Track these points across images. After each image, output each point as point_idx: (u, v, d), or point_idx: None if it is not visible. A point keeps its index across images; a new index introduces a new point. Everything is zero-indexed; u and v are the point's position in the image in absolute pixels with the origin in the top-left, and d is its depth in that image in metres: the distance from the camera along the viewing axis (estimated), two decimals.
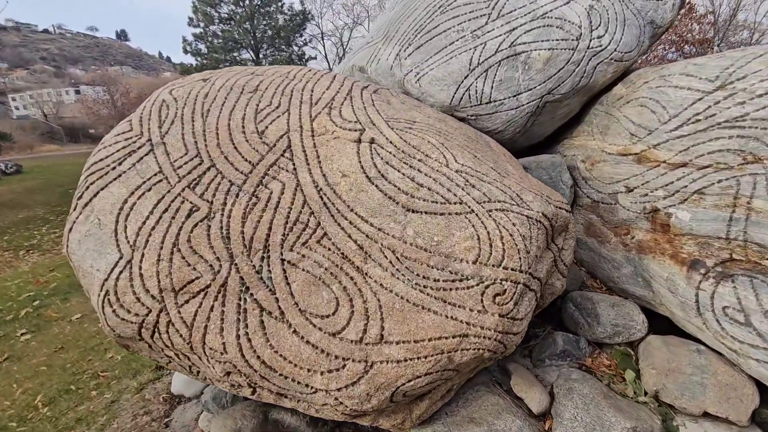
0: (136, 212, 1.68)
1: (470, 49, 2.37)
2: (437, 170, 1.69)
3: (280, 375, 1.48)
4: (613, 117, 2.28)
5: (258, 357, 1.49)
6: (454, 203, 1.58)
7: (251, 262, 1.57)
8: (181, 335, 1.56)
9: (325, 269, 1.52)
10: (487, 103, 2.39)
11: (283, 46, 21.15)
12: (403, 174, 1.67)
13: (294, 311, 1.50)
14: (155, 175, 1.75)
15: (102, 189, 1.75)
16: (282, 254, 1.56)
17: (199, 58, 20.59)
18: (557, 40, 2.20)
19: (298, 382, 1.47)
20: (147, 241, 1.62)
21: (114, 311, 1.60)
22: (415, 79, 2.55)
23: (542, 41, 2.22)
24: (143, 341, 1.66)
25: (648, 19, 2.35)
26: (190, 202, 1.67)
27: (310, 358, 1.45)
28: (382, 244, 1.53)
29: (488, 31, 2.35)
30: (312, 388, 1.46)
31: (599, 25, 2.21)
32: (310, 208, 1.62)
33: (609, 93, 2.40)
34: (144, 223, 1.65)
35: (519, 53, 2.26)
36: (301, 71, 2.20)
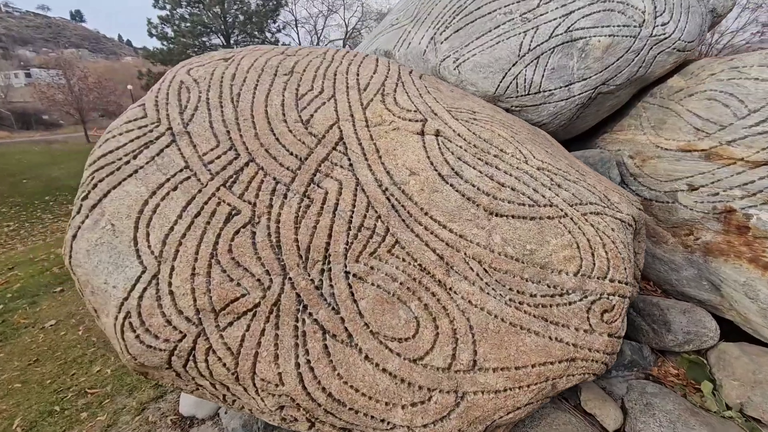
0: (160, 216, 1.38)
1: (520, 34, 2.17)
2: (517, 167, 1.48)
3: (350, 409, 1.25)
4: (670, 111, 2.15)
5: (323, 389, 1.25)
6: (544, 206, 1.38)
7: (309, 275, 1.32)
8: (224, 364, 1.29)
9: (400, 284, 1.30)
10: (535, 93, 2.20)
11: (256, 33, 20.25)
12: (480, 172, 1.45)
13: (365, 334, 1.27)
14: (181, 171, 1.45)
15: (114, 188, 1.44)
16: (346, 266, 1.32)
17: (165, 43, 19.39)
18: (619, 26, 2.04)
19: (372, 417, 1.25)
20: (177, 251, 1.34)
21: (137, 337, 1.31)
22: (453, 65, 2.32)
23: (603, 27, 2.04)
24: (171, 370, 1.38)
25: (710, 7, 2.22)
26: (228, 204, 1.39)
27: (388, 390, 1.23)
28: (465, 254, 1.32)
29: (540, 15, 2.15)
30: (390, 424, 1.24)
31: (663, 11, 2.05)
32: (376, 212, 1.38)
33: (663, 85, 2.26)
34: (172, 229, 1.36)
35: (576, 39, 2.08)
36: (338, 52, 1.93)
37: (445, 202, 1.39)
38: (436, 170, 1.45)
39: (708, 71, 2.03)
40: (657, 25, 2.04)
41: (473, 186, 1.41)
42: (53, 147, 20.27)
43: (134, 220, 1.38)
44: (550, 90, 2.19)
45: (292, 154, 1.49)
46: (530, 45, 2.14)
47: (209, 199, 1.40)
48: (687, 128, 2.02)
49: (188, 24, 19.14)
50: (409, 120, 1.58)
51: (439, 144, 1.51)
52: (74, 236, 1.43)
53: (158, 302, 1.31)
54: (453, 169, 1.45)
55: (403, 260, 1.32)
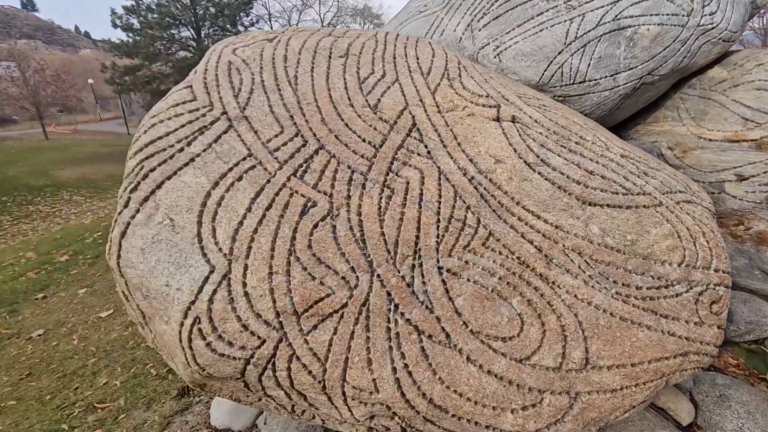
0: (227, 209, 1.24)
1: (565, 21, 2.11)
2: (601, 155, 1.42)
3: (454, 416, 1.15)
4: (712, 101, 2.15)
5: (423, 395, 1.14)
6: (638, 194, 1.33)
7: (399, 272, 1.21)
8: (309, 372, 1.17)
9: (500, 278, 1.21)
10: (580, 83, 2.15)
11: (228, 26, 19.54)
12: (566, 159, 1.38)
13: (464, 334, 1.17)
14: (244, 159, 1.31)
15: (168, 178, 1.28)
16: (439, 261, 1.22)
17: (131, 34, 18.34)
18: (668, 14, 2.01)
19: (477, 423, 1.16)
20: (250, 248, 1.20)
21: (209, 345, 1.16)
22: (493, 53, 2.25)
23: (652, 15, 2.02)
24: (240, 380, 1.24)
25: None
26: (302, 195, 1.26)
27: (496, 393, 1.14)
28: (564, 246, 1.24)
29: (586, 2, 2.11)
30: (497, 430, 1.15)
31: (711, 1, 2.05)
32: (465, 202, 1.29)
33: (702, 76, 2.27)
34: (241, 223, 1.22)
35: (624, 28, 2.05)
36: (389, 35, 1.81)
37: (537, 192, 1.31)
38: (521, 158, 1.36)
39: (754, 62, 2.05)
40: (705, 15, 2.04)
41: (562, 174, 1.34)
42: (7, 144, 18.91)
43: (197, 214, 1.23)
44: (595, 79, 2.15)
45: (364, 140, 1.37)
46: (577, 33, 2.09)
47: (280, 189, 1.26)
48: (734, 119, 2.03)
49: (155, 15, 18.20)
50: (483, 105, 1.49)
51: (518, 131, 1.43)
52: (123, 233, 1.26)
53: (232, 305, 1.16)
54: (538, 156, 1.37)
55: (500, 253, 1.23)
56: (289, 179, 1.28)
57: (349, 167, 1.32)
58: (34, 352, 3.45)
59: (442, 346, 1.17)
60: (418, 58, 1.65)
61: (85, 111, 35.54)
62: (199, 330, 1.17)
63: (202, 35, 19.04)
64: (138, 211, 1.26)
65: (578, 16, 2.10)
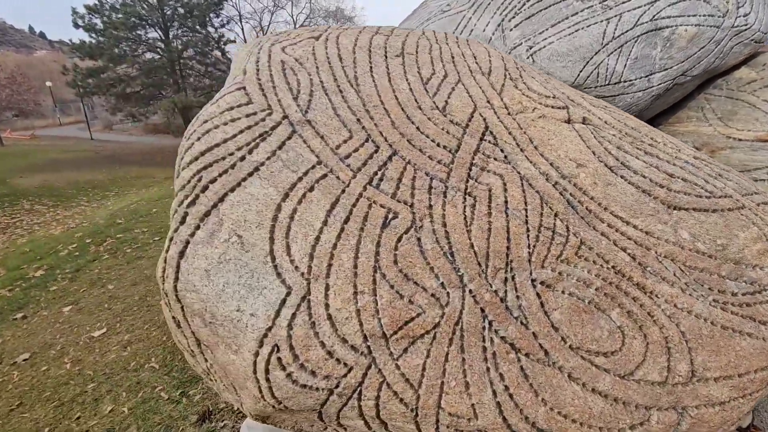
0: (301, 223, 1.12)
1: (602, 21, 2.09)
2: (676, 156, 1.39)
3: None
4: (741, 102, 2.18)
5: (527, 419, 1.07)
6: (720, 197, 1.30)
7: (491, 286, 1.13)
8: (401, 399, 1.07)
9: (596, 290, 1.15)
10: (615, 84, 2.14)
11: (198, 27, 18.79)
12: (645, 162, 1.34)
13: (564, 350, 1.10)
14: (313, 167, 1.19)
15: (232, 190, 1.15)
16: (532, 273, 1.15)
17: (94, 35, 17.38)
18: (704, 15, 2.03)
19: None
20: (330, 265, 1.09)
21: (289, 375, 1.05)
22: (526, 53, 2.21)
23: (689, 16, 2.02)
24: (315, 412, 1.13)
25: None
26: (382, 206, 1.16)
27: (603, 413, 1.07)
28: (657, 252, 1.19)
29: (623, 2, 2.09)
30: None
31: (745, 2, 2.08)
32: (552, 209, 1.22)
33: (729, 77, 2.30)
34: (318, 239, 1.11)
35: (661, 28, 2.04)
36: (439, 33, 1.73)
37: (622, 196, 1.25)
38: (601, 161, 1.31)
39: None
40: (739, 16, 2.06)
41: (644, 177, 1.29)
42: None
43: (268, 230, 1.11)
44: (630, 80, 2.14)
45: (439, 145, 1.28)
46: (614, 33, 2.07)
47: (357, 200, 1.16)
48: (766, 119, 2.06)
49: (120, 15, 17.28)
50: (552, 107, 1.43)
51: (593, 133, 1.38)
52: (182, 253, 1.12)
53: (314, 330, 1.05)
54: (618, 159, 1.32)
55: (594, 263, 1.17)
56: (365, 188, 1.18)
57: (426, 174, 1.23)
58: (22, 379, 3.15)
59: (542, 364, 1.09)
60: (476, 58, 1.57)
61: (43, 115, 33.62)
62: (279, 359, 1.05)
63: (171, 36, 18.25)
64: (198, 227, 1.13)
65: (615, 16, 2.09)
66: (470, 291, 1.11)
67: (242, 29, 21.20)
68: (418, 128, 1.30)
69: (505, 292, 1.13)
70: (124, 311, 3.92)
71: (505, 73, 1.53)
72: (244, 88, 1.32)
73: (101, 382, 2.91)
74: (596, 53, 2.10)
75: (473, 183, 1.23)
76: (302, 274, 1.08)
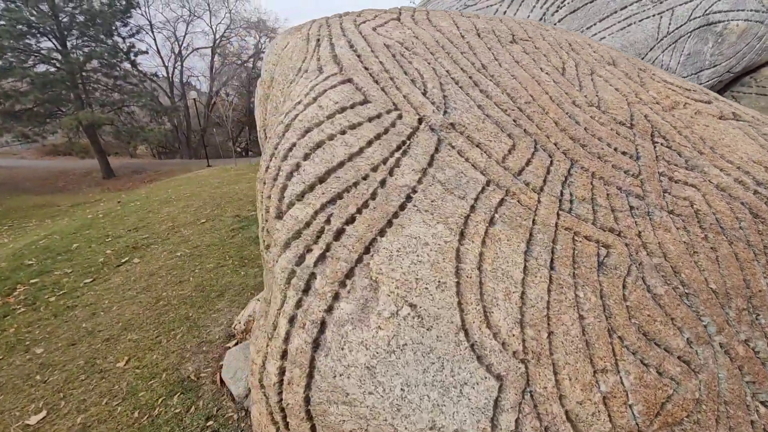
0: (495, 275, 0.75)
1: (654, 16, 1.98)
2: None
3: None
4: None
5: None
6: None
7: (737, 334, 0.84)
8: None
9: None
10: None
11: (102, 36, 16.70)
12: None
13: None
14: (483, 190, 0.82)
15: (382, 233, 0.74)
16: None
17: None
18: (752, 10, 1.99)
19: None
20: (550, 334, 0.73)
21: None
22: None
23: (738, 11, 1.98)
24: None
25: None
26: (587, 238, 0.83)
27: None
28: None
29: None
30: None
31: None
32: (766, 224, 0.97)
33: (757, 74, 2.32)
34: (523, 296, 0.74)
35: (713, 23, 1.97)
36: (522, 20, 1.45)
37: None
38: None
39: None
40: None
41: None
42: None
43: (454, 291, 0.72)
44: (682, 77, 2.05)
45: (617, 150, 0.98)
46: (669, 28, 1.97)
47: (555, 233, 0.81)
48: None
49: (3, 22, 14.67)
50: (700, 101, 1.21)
51: (755, 130, 1.17)
52: (315, 342, 0.68)
53: None
54: None
55: None
56: (558, 216, 0.83)
57: (619, 189, 0.92)
58: None
59: None
60: (590, 46, 1.31)
61: None
62: None
63: (69, 47, 15.94)
64: (337, 296, 0.70)
65: (667, 10, 1.98)
66: (720, 345, 0.82)
67: (154, 40, 19.40)
68: (585, 129, 0.98)
69: (750, 336, 0.85)
70: (67, 383, 3.05)
71: (632, 63, 1.29)
72: (351, 80, 0.91)
73: None
74: (651, 49, 1.97)
75: (671, 198, 0.95)
76: (515, 353, 0.71)
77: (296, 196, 0.75)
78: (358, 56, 0.97)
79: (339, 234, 0.72)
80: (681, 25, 1.97)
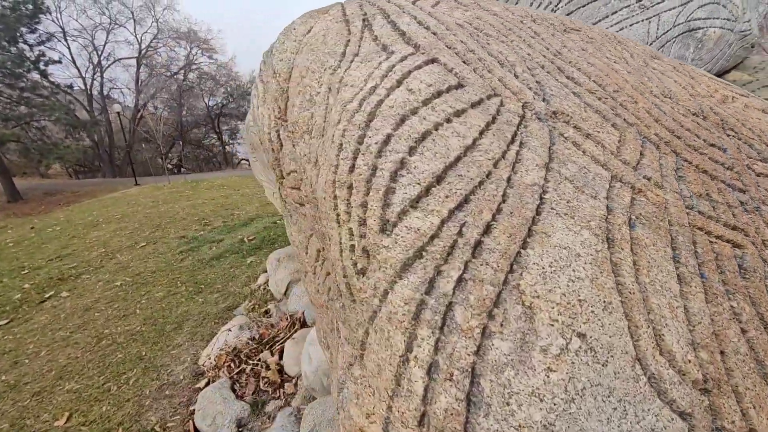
0: (655, 287, 0.62)
1: (643, 21, 2.04)
2: None
3: None
4: None
5: None
6: None
7: None
8: None
9: None
10: None
11: (5, 43, 14.69)
12: None
13: None
14: (611, 187, 0.70)
15: (524, 245, 0.57)
16: None
17: None
18: (725, 19, 2.13)
19: None
20: (722, 355, 0.61)
21: None
22: None
23: (714, 18, 2.10)
24: None
25: (763, 11, 2.58)
26: (719, 238, 0.73)
27: None
28: None
29: (658, 2, 2.08)
30: None
31: (746, 9, 2.25)
32: None
33: (724, 79, 2.49)
34: (686, 311, 0.62)
35: (694, 30, 2.08)
36: (538, 11, 1.38)
37: None
38: None
39: None
40: (745, 21, 2.23)
41: None
42: None
43: (622, 314, 0.57)
44: None
45: (706, 142, 0.91)
46: (657, 33, 2.04)
47: (693, 234, 0.70)
48: None
49: None
50: (741, 95, 1.20)
51: None
52: (468, 398, 0.50)
53: None
54: None
55: None
56: (688, 214, 0.73)
57: (725, 183, 0.84)
58: None
59: None
60: (628, 40, 1.27)
61: None
62: None
63: None
64: (486, 332, 0.52)
65: (654, 15, 2.05)
66: None
67: (68, 48, 17.42)
68: (674, 120, 0.91)
69: None
70: None
71: (669, 58, 1.26)
72: (436, 60, 0.74)
73: None
74: None
75: (764, 192, 0.89)
76: (694, 382, 0.57)
77: (410, 202, 0.57)
78: (434, 34, 0.80)
79: (475, 248, 0.55)
80: (667, 31, 2.05)
